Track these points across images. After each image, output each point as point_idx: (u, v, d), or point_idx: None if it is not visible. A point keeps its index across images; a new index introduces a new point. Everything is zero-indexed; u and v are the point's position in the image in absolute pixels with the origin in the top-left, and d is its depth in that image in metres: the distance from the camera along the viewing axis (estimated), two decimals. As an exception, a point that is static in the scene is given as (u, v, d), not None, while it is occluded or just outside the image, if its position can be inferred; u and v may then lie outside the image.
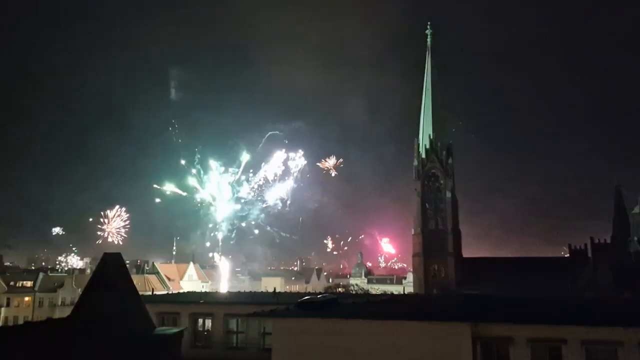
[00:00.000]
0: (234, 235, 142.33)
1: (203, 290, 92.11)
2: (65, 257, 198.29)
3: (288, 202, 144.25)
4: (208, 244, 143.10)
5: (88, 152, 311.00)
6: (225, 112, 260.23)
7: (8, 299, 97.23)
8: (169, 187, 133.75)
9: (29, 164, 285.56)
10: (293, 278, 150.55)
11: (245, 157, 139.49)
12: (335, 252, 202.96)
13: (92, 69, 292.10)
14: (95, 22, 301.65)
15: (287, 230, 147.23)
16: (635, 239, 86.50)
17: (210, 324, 34.18)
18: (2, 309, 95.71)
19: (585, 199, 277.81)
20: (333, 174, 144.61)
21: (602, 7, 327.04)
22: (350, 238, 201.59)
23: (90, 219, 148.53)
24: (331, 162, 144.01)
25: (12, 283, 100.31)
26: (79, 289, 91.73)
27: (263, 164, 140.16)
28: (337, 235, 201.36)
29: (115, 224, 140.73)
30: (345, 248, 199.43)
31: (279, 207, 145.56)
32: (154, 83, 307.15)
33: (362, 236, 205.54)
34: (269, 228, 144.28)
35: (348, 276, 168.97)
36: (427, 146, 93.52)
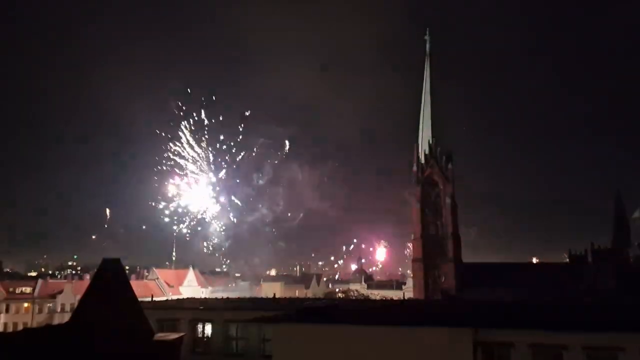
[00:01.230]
0: (230, 242, 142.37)
1: (203, 296, 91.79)
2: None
3: (281, 207, 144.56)
4: (208, 250, 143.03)
5: (86, 159, 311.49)
6: (223, 114, 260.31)
7: (7, 305, 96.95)
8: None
9: (28, 170, 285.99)
10: (293, 284, 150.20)
11: (241, 162, 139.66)
12: (334, 258, 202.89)
13: (90, 74, 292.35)
14: (91, 26, 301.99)
15: (286, 235, 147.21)
16: (636, 244, 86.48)
17: (210, 330, 34.06)
18: (2, 315, 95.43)
19: (586, 204, 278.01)
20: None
21: (601, 9, 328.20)
22: (346, 244, 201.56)
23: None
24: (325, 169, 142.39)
25: (11, 289, 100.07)
26: (78, 296, 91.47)
27: (256, 172, 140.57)
28: (336, 241, 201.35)
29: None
30: (344, 255, 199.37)
31: (277, 213, 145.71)
32: (151, 88, 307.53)
33: (357, 243, 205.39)
34: (267, 229, 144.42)
35: (343, 277, 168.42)
36: (427, 151, 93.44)
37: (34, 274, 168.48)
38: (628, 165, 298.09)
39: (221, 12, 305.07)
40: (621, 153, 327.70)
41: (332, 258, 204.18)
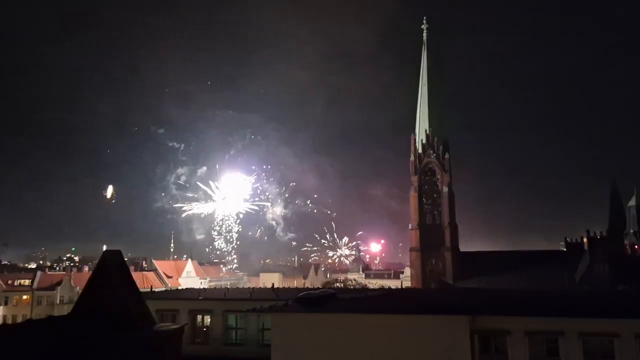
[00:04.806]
0: (231, 232, 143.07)
1: (201, 287, 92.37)
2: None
3: (283, 198, 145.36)
4: (206, 241, 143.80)
5: (82, 152, 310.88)
6: (222, 110, 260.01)
7: (6, 297, 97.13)
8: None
9: (25, 164, 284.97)
10: (291, 274, 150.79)
11: (241, 155, 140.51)
12: (333, 248, 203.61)
13: (88, 69, 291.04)
14: (92, 22, 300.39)
15: (285, 226, 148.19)
16: (631, 231, 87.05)
17: (209, 320, 34.30)
18: (1, 307, 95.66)
19: (581, 192, 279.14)
20: None
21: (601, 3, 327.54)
22: (347, 234, 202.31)
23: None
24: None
25: (10, 281, 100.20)
26: (77, 287, 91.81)
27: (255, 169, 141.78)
28: (335, 232, 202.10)
29: None
30: (345, 246, 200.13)
31: (279, 204, 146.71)
32: (151, 84, 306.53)
33: (355, 233, 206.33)
34: (273, 223, 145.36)
35: (341, 267, 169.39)
36: (424, 141, 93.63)
37: (32, 265, 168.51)
38: (624, 153, 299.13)
39: (216, 4, 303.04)
40: (617, 141, 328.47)
41: (328, 247, 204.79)
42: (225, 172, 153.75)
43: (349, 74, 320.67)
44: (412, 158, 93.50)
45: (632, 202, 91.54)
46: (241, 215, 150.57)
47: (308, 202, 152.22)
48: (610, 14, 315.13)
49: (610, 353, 22.20)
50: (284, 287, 67.63)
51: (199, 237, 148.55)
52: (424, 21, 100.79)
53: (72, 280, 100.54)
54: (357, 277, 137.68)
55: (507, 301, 29.21)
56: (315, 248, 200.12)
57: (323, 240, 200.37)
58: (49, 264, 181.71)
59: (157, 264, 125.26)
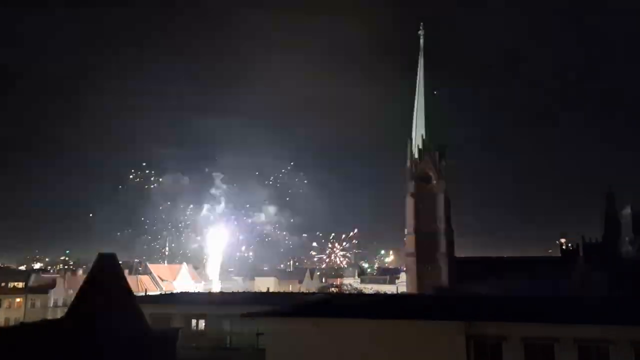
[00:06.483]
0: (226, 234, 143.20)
1: (196, 291, 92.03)
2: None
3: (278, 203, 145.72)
4: (202, 244, 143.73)
5: (78, 154, 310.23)
6: (221, 117, 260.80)
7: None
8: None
9: (19, 165, 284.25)
10: (286, 278, 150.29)
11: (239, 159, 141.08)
12: (328, 252, 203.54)
13: (86, 76, 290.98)
14: (94, 24, 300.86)
15: (281, 230, 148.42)
16: (627, 238, 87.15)
17: (203, 324, 34.13)
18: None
19: (576, 199, 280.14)
20: None
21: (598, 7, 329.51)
22: (343, 238, 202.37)
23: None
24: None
25: (3, 284, 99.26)
26: (71, 290, 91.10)
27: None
28: (331, 236, 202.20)
29: None
30: (342, 249, 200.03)
31: (276, 210, 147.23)
32: (150, 87, 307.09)
33: (356, 240, 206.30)
34: (268, 228, 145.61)
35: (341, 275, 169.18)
36: (420, 147, 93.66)
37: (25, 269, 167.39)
38: (619, 161, 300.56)
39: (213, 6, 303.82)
40: (612, 149, 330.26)
41: (324, 252, 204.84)
42: (218, 177, 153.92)
43: (345, 79, 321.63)
44: (408, 164, 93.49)
45: (628, 209, 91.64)
46: (237, 219, 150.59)
47: (302, 206, 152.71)
48: (611, 17, 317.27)
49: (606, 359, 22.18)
50: (278, 292, 67.44)
51: (194, 243, 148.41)
52: (421, 27, 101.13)
53: (65, 283, 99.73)
54: (352, 282, 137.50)
55: (502, 307, 29.16)
56: (313, 252, 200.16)
57: (319, 245, 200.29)
58: (42, 267, 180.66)
59: (152, 267, 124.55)
